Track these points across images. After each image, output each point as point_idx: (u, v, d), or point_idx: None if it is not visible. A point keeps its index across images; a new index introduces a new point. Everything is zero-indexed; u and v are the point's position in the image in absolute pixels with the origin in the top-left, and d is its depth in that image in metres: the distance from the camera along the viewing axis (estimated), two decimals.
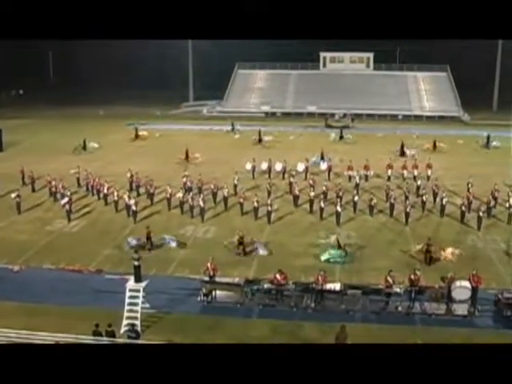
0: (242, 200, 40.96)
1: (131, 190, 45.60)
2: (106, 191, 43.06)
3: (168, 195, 41.83)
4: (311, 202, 41.47)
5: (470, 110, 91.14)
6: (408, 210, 39.18)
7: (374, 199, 41.21)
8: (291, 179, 46.83)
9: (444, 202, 40.36)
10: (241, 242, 33.94)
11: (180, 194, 41.56)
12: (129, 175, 46.86)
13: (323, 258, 32.79)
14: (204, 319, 26.28)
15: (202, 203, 39.85)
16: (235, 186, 45.15)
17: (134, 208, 39.32)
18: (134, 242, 34.27)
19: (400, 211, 40.22)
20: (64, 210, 39.75)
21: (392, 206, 40.42)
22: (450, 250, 32.59)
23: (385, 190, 43.91)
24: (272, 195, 43.73)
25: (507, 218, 38.93)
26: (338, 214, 38.83)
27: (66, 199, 40.32)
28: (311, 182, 45.68)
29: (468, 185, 43.70)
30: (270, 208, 39.23)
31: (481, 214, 37.71)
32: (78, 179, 48.02)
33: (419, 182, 46.18)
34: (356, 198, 41.50)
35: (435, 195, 43.12)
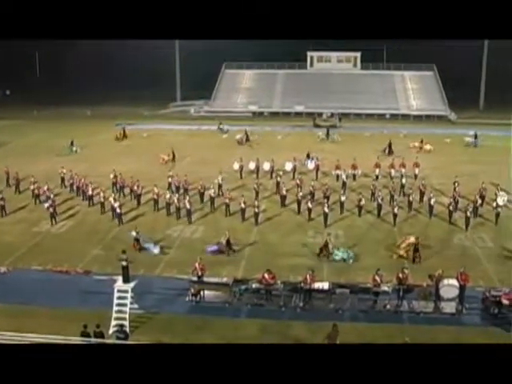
0: (227, 201, 40.84)
1: (116, 191, 45.23)
2: (90, 192, 42.79)
3: (155, 196, 41.67)
4: (298, 202, 41.41)
5: (457, 108, 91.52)
6: (396, 210, 39.20)
7: (362, 200, 41.04)
8: (278, 179, 46.82)
9: (432, 203, 40.39)
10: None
11: (167, 195, 41.40)
12: (112, 176, 46.47)
13: (336, 257, 33.12)
14: (192, 319, 26.27)
15: (188, 205, 39.66)
16: (220, 186, 45.11)
17: (118, 210, 39.08)
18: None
19: (388, 211, 40.30)
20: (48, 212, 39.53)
21: (379, 207, 40.41)
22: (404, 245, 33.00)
23: (371, 190, 43.86)
24: (260, 195, 43.72)
25: (495, 218, 38.97)
26: (325, 215, 38.76)
27: (50, 202, 39.96)
28: (298, 181, 45.74)
29: (454, 184, 43.77)
30: (257, 209, 39.01)
31: (468, 214, 37.84)
32: (63, 179, 47.73)
33: (404, 181, 46.33)
34: (343, 199, 41.42)
35: (422, 194, 43.26)
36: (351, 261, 32.83)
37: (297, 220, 40.04)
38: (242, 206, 39.38)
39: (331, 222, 39.18)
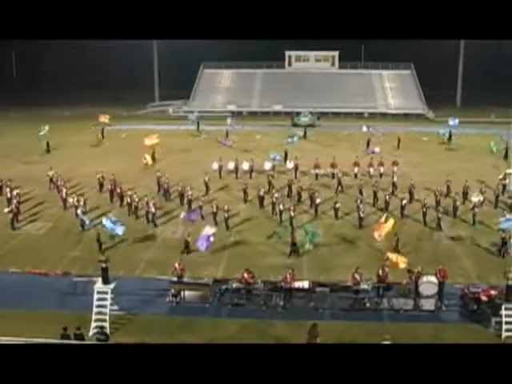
0: (201, 203, 40.51)
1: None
2: (64, 195, 42.19)
3: (133, 202, 40.72)
4: (273, 204, 40.80)
5: (435, 107, 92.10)
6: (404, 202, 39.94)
7: (337, 203, 40.54)
8: (270, 178, 47.16)
9: (403, 203, 40.33)
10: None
11: (136, 198, 40.55)
12: (99, 176, 46.03)
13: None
14: (173, 320, 26.26)
15: (153, 208, 38.94)
16: (207, 185, 45.49)
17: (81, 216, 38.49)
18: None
19: (370, 212, 40.58)
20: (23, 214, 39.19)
21: (358, 208, 39.57)
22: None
23: (355, 202, 42.59)
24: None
25: (472, 219, 39.01)
26: (292, 217, 38.28)
27: (12, 207, 39.20)
28: (269, 180, 46.50)
29: (449, 182, 44.43)
30: (226, 214, 38.26)
31: (440, 215, 38.08)
32: (51, 180, 46.96)
33: (374, 180, 46.80)
34: (318, 201, 41.02)
35: (412, 195, 43.44)
36: (317, 239, 33.33)
37: (274, 219, 40.02)
38: (214, 210, 38.84)
39: (310, 220, 39.34)
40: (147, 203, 39.61)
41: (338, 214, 40.18)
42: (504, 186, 45.37)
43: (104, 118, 64.94)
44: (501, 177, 46.24)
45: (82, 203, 39.62)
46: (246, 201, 43.71)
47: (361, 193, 44.20)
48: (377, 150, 57.56)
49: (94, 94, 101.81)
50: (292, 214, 38.19)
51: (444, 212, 38.81)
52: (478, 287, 27.72)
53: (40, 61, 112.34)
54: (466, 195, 42.79)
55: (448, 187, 44.36)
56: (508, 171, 46.80)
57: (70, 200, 41.12)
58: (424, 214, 39.09)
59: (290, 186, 45.09)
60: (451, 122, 70.45)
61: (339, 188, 46.44)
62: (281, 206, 39.54)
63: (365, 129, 69.38)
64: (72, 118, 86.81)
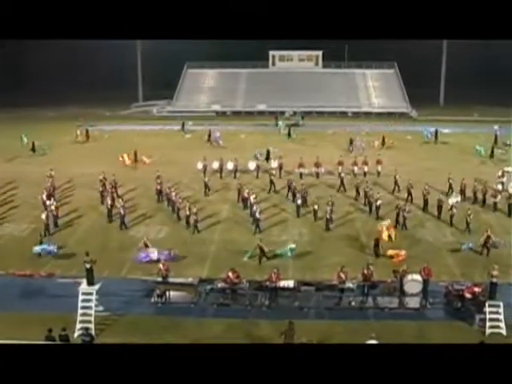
0: (178, 205, 40.27)
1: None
2: (44, 198, 41.66)
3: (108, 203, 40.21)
4: (251, 205, 40.32)
5: (418, 106, 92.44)
6: (379, 203, 40.00)
7: (316, 205, 40.05)
8: (271, 178, 47.27)
9: (378, 204, 40.13)
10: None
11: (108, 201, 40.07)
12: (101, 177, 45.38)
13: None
14: (159, 320, 26.22)
15: (122, 211, 38.41)
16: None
17: (54, 213, 38.38)
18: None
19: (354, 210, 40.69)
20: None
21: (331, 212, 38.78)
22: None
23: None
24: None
25: (449, 220, 38.82)
26: (258, 219, 37.89)
27: None
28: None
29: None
30: (195, 217, 37.76)
31: (405, 214, 38.02)
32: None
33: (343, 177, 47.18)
34: (299, 202, 40.76)
35: (410, 193, 43.53)
36: (291, 254, 33.11)
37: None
38: (187, 212, 38.31)
39: (295, 219, 39.44)
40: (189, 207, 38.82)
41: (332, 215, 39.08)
42: (502, 184, 45.54)
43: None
44: (499, 174, 46.54)
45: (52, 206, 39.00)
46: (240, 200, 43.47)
47: (358, 192, 44.33)
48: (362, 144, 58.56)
49: (77, 95, 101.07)
50: (258, 215, 37.74)
51: (408, 212, 38.54)
52: (462, 285, 27.90)
53: (23, 61, 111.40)
54: (463, 192, 43.08)
55: (450, 185, 44.52)
56: (506, 169, 46.95)
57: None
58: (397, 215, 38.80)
59: (289, 187, 44.79)
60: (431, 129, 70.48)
61: (341, 188, 46.69)
62: (255, 208, 38.89)
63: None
64: (56, 119, 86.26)
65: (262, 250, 32.74)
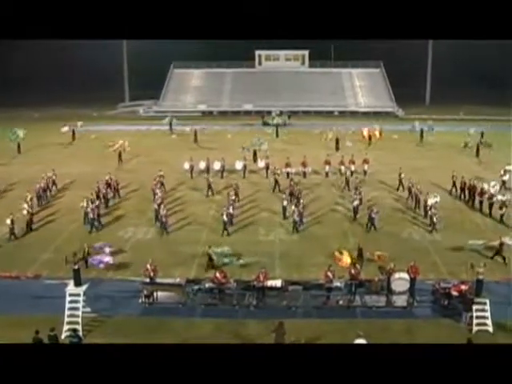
0: (156, 206, 39.66)
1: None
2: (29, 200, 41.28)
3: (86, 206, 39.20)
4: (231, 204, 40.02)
5: (404, 105, 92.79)
6: (355, 203, 39.85)
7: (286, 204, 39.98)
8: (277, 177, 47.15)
9: (373, 215, 39.08)
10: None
11: (84, 204, 39.09)
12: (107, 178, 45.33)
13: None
14: (146, 321, 26.15)
15: (91, 214, 37.84)
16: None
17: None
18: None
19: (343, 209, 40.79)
20: None
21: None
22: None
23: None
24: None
25: (430, 221, 38.52)
26: (225, 222, 37.40)
27: None
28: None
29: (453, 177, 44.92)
30: (164, 219, 37.54)
31: (373, 215, 37.58)
32: (54, 182, 46.44)
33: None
34: (285, 203, 40.26)
35: (410, 191, 43.64)
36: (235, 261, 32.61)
37: (245, 217, 40.08)
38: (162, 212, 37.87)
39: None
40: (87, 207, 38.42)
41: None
42: (504, 183, 45.82)
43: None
44: (501, 173, 46.74)
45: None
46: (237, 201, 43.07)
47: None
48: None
49: (63, 95, 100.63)
50: (225, 218, 37.28)
51: (376, 212, 38.44)
52: (449, 282, 28.05)
53: (7, 61, 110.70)
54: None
55: (454, 183, 44.81)
56: (507, 168, 47.09)
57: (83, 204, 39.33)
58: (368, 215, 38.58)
59: (292, 191, 44.10)
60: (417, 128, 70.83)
61: (346, 187, 46.79)
62: (230, 209, 38.70)
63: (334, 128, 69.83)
64: (42, 120, 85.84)
65: (210, 258, 31.99)
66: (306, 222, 38.71)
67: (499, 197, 40.72)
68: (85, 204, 38.43)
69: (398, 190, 45.79)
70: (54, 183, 46.13)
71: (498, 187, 42.68)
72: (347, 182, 46.47)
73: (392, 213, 40.87)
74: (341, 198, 44.19)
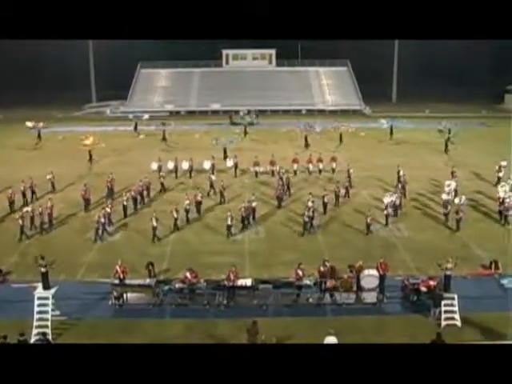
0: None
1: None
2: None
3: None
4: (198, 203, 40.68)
5: (371, 103, 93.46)
6: (326, 200, 40.12)
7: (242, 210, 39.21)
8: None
9: (325, 200, 40.16)
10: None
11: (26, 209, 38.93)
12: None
13: None
14: (117, 322, 26.01)
15: (38, 220, 37.38)
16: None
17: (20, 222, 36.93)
18: None
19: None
20: None
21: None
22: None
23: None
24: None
25: (385, 220, 38.77)
26: (174, 225, 37.76)
27: None
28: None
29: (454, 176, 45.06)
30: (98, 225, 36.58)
31: (368, 220, 37.46)
32: (53, 184, 46.33)
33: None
34: (254, 204, 39.65)
35: (405, 190, 43.84)
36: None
37: (215, 217, 40.00)
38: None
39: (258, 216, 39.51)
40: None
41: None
42: (499, 179, 46.09)
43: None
44: (496, 168, 47.16)
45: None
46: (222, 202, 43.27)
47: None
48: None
49: (27, 96, 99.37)
50: (175, 216, 37.40)
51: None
52: (418, 278, 28.36)
53: None
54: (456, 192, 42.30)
55: (453, 177, 44.80)
56: (502, 163, 47.40)
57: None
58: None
59: (288, 186, 44.83)
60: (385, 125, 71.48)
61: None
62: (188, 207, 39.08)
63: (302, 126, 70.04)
64: (5, 121, 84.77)
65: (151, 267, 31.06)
66: (277, 221, 38.87)
67: (444, 196, 40.79)
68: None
69: (396, 187, 44.86)
70: (33, 192, 44.82)
71: (452, 187, 42.45)
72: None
73: (363, 210, 40.93)
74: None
